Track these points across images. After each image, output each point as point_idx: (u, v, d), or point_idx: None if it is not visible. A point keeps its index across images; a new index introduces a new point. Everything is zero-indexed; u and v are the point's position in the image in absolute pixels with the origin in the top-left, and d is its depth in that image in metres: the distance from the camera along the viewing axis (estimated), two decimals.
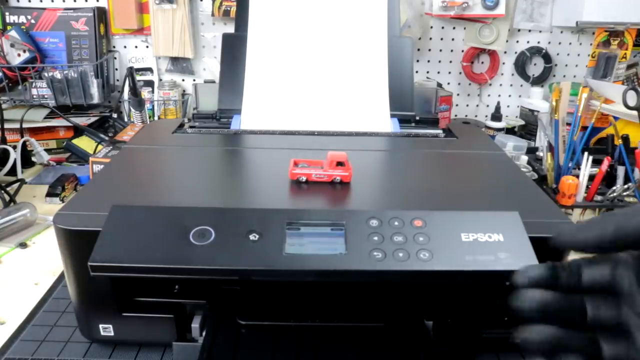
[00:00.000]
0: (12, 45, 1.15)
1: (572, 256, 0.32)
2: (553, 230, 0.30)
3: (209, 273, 0.43)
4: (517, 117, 1.28)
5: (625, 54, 1.24)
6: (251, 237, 0.45)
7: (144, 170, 0.63)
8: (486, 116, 1.33)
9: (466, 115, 1.37)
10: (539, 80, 1.30)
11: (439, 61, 1.32)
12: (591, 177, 0.85)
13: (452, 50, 1.30)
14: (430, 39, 1.29)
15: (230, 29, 1.20)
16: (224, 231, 0.45)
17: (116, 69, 1.29)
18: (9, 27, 1.17)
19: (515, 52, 1.30)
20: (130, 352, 0.54)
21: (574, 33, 1.28)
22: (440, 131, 0.80)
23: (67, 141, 1.11)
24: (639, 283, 0.27)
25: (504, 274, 0.44)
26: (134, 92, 0.97)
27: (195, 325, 0.53)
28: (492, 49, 1.27)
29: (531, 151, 1.06)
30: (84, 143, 1.11)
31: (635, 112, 0.98)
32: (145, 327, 0.53)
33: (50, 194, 0.91)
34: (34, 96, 1.18)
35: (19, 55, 1.16)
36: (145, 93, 1.25)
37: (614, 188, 0.86)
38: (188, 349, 0.52)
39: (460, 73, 1.32)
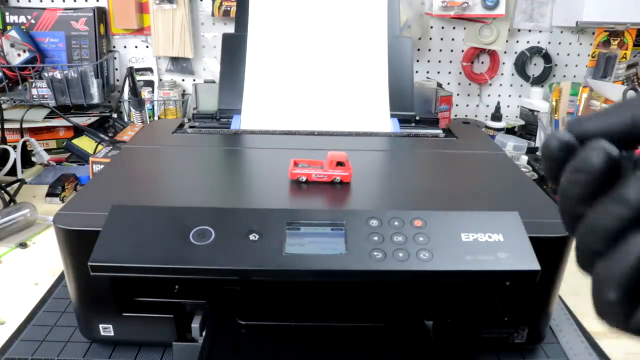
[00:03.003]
0: (12, 45, 1.15)
1: None
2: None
3: (209, 273, 0.43)
4: (517, 117, 1.28)
5: (625, 54, 1.24)
6: (251, 237, 0.45)
7: (144, 170, 0.63)
8: (486, 116, 1.33)
9: (466, 115, 1.37)
10: (539, 80, 1.30)
11: (439, 61, 1.32)
12: None
13: (452, 50, 1.30)
14: (430, 39, 1.29)
15: (230, 29, 1.20)
16: (224, 231, 0.45)
17: (116, 69, 1.29)
18: (9, 27, 1.17)
19: (515, 52, 1.30)
20: (130, 352, 0.54)
21: (574, 33, 1.28)
22: (440, 131, 0.80)
23: (67, 141, 1.11)
24: None
25: (504, 274, 0.44)
26: (134, 92, 0.97)
27: (195, 325, 0.53)
28: (492, 49, 1.27)
29: (531, 151, 1.06)
30: (84, 143, 1.11)
31: None
32: (145, 327, 0.53)
33: (50, 194, 0.91)
34: (34, 96, 1.18)
35: (19, 55, 1.16)
36: (145, 93, 1.25)
37: None
38: (188, 349, 0.52)
39: (460, 73, 1.32)
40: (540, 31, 1.28)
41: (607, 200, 0.21)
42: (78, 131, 1.15)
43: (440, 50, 1.30)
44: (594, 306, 0.22)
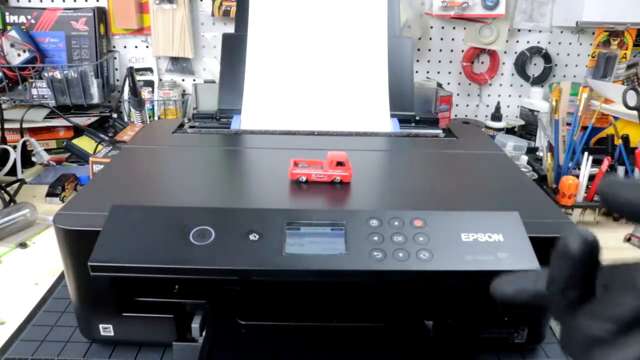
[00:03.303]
0: (12, 45, 1.15)
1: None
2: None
3: (209, 273, 0.43)
4: (517, 117, 1.28)
5: (625, 54, 1.24)
6: (251, 237, 0.45)
7: (144, 170, 0.63)
8: (486, 116, 1.33)
9: (466, 115, 1.37)
10: (539, 80, 1.30)
11: (439, 61, 1.32)
12: (591, 177, 0.85)
13: (452, 50, 1.30)
14: (430, 39, 1.29)
15: (230, 29, 1.20)
16: (224, 231, 0.45)
17: (116, 69, 1.29)
18: (9, 27, 1.17)
19: (515, 52, 1.30)
20: (130, 352, 0.54)
21: (574, 33, 1.28)
22: (440, 131, 0.80)
23: (67, 141, 1.11)
24: None
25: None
26: (134, 92, 0.97)
27: (195, 325, 0.53)
28: (492, 49, 1.27)
29: (531, 151, 1.06)
30: (84, 143, 1.11)
31: (635, 112, 0.98)
32: (145, 327, 0.53)
33: (50, 194, 0.91)
34: (34, 96, 1.18)
35: (19, 55, 1.16)
36: (145, 93, 1.24)
37: None
38: (188, 349, 0.52)
39: (460, 73, 1.32)
40: (540, 31, 1.28)
41: (620, 289, 0.21)
42: (78, 131, 1.15)
43: (440, 50, 1.30)
44: None
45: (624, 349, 0.20)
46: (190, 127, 0.80)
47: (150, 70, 1.28)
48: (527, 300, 0.25)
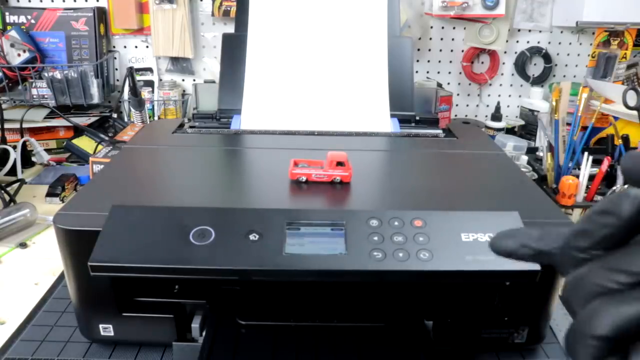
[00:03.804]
0: (12, 45, 1.15)
1: None
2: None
3: (209, 273, 0.43)
4: (517, 117, 1.28)
5: (625, 54, 1.23)
6: (251, 237, 0.45)
7: (144, 170, 0.63)
8: (486, 116, 1.33)
9: (466, 115, 1.37)
10: (539, 80, 1.30)
11: (439, 61, 1.32)
12: (591, 177, 0.85)
13: (452, 50, 1.30)
14: (430, 39, 1.29)
15: (230, 29, 1.20)
16: (224, 231, 0.45)
17: (116, 69, 1.29)
18: (9, 27, 1.17)
19: (515, 52, 1.30)
20: (130, 352, 0.54)
21: (574, 33, 1.28)
22: (440, 131, 0.80)
23: (67, 141, 1.11)
24: None
25: (504, 274, 0.44)
26: (134, 92, 0.97)
27: (195, 325, 0.53)
28: (492, 49, 1.27)
29: (531, 151, 1.06)
30: (84, 143, 1.11)
31: (635, 112, 0.98)
32: (145, 327, 0.53)
33: (50, 194, 0.91)
34: (34, 96, 1.18)
35: (19, 55, 1.16)
36: (145, 93, 1.25)
37: (614, 188, 0.86)
38: (188, 349, 0.52)
39: (460, 73, 1.32)
40: (540, 31, 1.28)
41: None
42: (78, 131, 1.15)
43: (440, 50, 1.30)
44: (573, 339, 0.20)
45: (630, 304, 0.19)
46: (190, 127, 0.80)
47: (150, 70, 1.28)
48: (528, 256, 0.25)
